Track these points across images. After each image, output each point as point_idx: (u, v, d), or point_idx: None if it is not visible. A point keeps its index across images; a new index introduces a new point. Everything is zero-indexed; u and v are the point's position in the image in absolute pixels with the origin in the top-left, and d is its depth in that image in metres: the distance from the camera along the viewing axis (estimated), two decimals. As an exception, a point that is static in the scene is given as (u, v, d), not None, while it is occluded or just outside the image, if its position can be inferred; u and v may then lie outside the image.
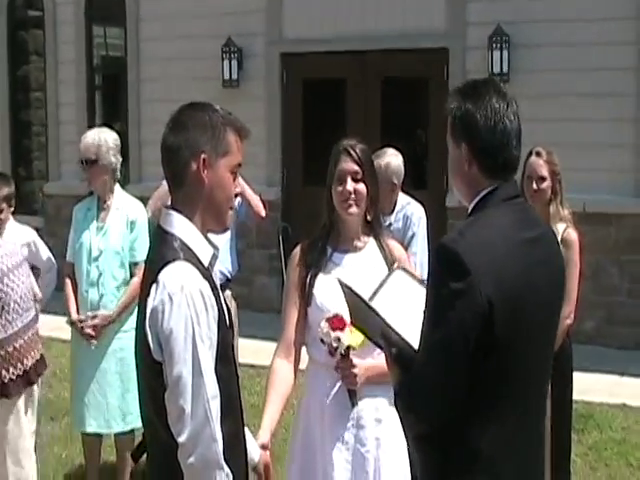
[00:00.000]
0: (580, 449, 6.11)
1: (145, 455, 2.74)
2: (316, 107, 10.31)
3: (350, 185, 3.43)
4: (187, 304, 2.44)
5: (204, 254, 2.60)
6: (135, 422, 5.25)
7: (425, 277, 5.46)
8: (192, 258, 2.53)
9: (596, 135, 8.68)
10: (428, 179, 9.66)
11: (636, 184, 8.74)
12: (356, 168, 3.45)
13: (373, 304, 2.68)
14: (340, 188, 3.45)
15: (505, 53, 8.92)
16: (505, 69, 8.91)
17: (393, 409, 3.34)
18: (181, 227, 2.58)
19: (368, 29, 9.66)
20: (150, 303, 2.48)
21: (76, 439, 5.92)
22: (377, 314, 2.59)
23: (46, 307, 5.46)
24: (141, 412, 2.69)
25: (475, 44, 9.17)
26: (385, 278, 2.90)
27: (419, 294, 2.71)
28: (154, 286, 2.48)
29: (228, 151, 2.61)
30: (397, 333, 2.56)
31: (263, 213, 5.83)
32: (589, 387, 6.81)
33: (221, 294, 2.63)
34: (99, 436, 5.41)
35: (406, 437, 2.85)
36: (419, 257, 5.32)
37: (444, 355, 2.38)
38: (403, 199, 5.42)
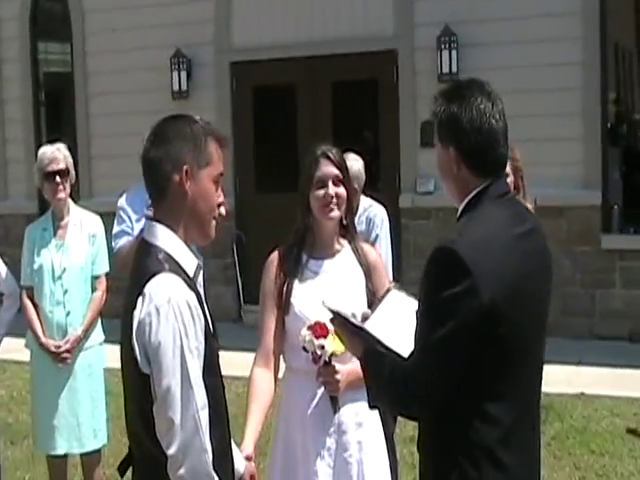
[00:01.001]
0: (543, 439, 6.15)
1: (130, 469, 2.72)
2: (267, 114, 10.34)
3: (332, 189, 3.44)
4: (175, 316, 2.43)
5: (189, 265, 2.59)
6: (104, 438, 5.25)
7: (390, 276, 5.53)
8: (177, 269, 2.53)
9: (545, 130, 8.82)
10: (380, 180, 9.72)
11: (585, 177, 8.89)
12: (337, 172, 3.46)
13: (365, 325, 2.69)
14: (321, 192, 3.44)
15: (454, 53, 9.02)
16: (454, 69, 9.02)
17: (373, 412, 3.40)
18: (165, 239, 2.58)
19: (316, 34, 9.72)
20: (137, 316, 2.47)
21: (39, 461, 5.83)
22: (368, 333, 2.60)
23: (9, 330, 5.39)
24: (127, 425, 2.67)
25: (423, 45, 9.26)
26: (380, 299, 2.90)
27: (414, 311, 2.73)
28: (140, 298, 2.47)
29: (210, 161, 2.61)
30: (389, 349, 2.57)
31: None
32: (547, 378, 6.83)
33: (205, 304, 2.63)
34: (65, 457, 5.33)
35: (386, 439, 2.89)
36: (384, 258, 5.36)
37: (443, 355, 2.40)
38: (365, 202, 5.46)
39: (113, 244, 5.28)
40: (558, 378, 7.44)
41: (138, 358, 2.46)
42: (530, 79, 8.86)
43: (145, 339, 2.45)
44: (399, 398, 2.51)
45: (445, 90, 2.67)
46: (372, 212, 5.45)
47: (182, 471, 2.43)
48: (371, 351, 2.61)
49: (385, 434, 3.64)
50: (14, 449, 6.54)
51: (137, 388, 2.51)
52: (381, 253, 5.39)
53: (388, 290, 2.93)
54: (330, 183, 3.45)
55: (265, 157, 10.16)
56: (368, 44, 9.52)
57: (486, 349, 2.43)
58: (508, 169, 4.82)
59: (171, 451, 2.43)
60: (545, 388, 6.84)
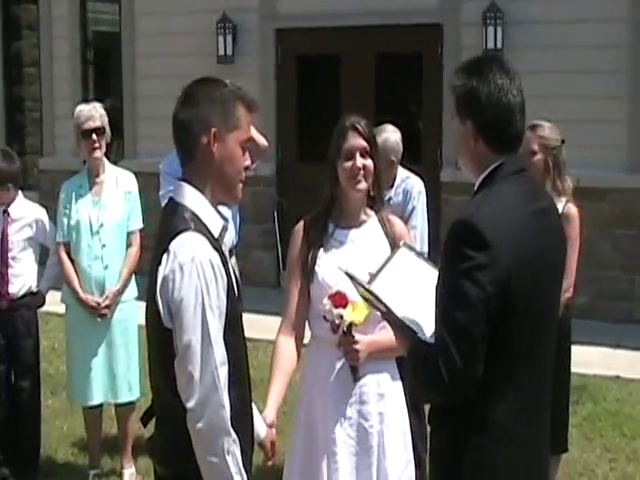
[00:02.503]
0: (575, 420, 6.19)
1: (154, 420, 2.81)
2: (310, 83, 10.33)
3: (359, 161, 3.47)
4: (197, 274, 2.50)
5: (214, 225, 2.65)
6: (138, 392, 5.38)
7: (425, 250, 5.52)
8: (202, 229, 2.59)
9: (590, 111, 8.72)
10: (422, 154, 9.69)
11: (629, 160, 8.80)
12: (364, 144, 3.49)
13: (374, 286, 2.71)
14: (349, 164, 3.47)
15: (499, 29, 8.94)
16: (499, 45, 8.94)
17: (395, 383, 3.42)
18: (192, 199, 2.64)
19: (362, 5, 9.65)
20: (161, 272, 2.54)
21: (77, 412, 5.98)
22: (379, 300, 2.63)
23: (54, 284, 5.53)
24: (151, 379, 2.76)
25: (469, 20, 9.18)
26: (389, 256, 2.92)
27: (425, 271, 2.75)
28: (165, 255, 2.54)
29: (238, 126, 2.67)
30: (399, 319, 2.60)
31: (265, 142, 5.61)
32: (583, 359, 6.87)
33: (230, 265, 2.68)
34: (100, 409, 5.48)
35: (410, 411, 2.90)
36: (419, 230, 5.38)
37: (469, 328, 2.41)
38: (402, 173, 5.45)
39: (162, 204, 5.33)
40: (594, 360, 7.44)
41: (161, 313, 2.54)
42: (576, 60, 8.75)
43: (168, 295, 2.52)
44: (438, 385, 2.48)
45: (464, 64, 2.69)
46: (409, 184, 5.44)
47: (200, 425, 2.50)
48: (415, 346, 2.61)
49: (417, 405, 3.66)
50: (54, 399, 6.72)
51: (160, 342, 2.59)
52: (417, 225, 5.41)
53: (397, 248, 2.94)
54: (358, 155, 3.47)
55: (307, 125, 10.16)
56: (413, 17, 9.46)
57: (502, 322, 2.45)
58: (536, 147, 4.81)
59: (190, 404, 2.51)
60: (580, 369, 6.90)
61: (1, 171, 5.28)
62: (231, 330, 2.60)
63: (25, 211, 5.43)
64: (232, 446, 2.54)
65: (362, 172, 3.47)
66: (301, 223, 3.62)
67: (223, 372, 2.53)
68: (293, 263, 3.58)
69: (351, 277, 2.80)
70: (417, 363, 2.54)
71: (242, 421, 2.65)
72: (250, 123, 2.72)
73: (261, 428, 2.95)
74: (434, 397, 2.57)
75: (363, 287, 2.73)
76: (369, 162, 3.49)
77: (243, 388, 2.69)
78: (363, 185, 3.49)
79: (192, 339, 2.50)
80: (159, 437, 2.74)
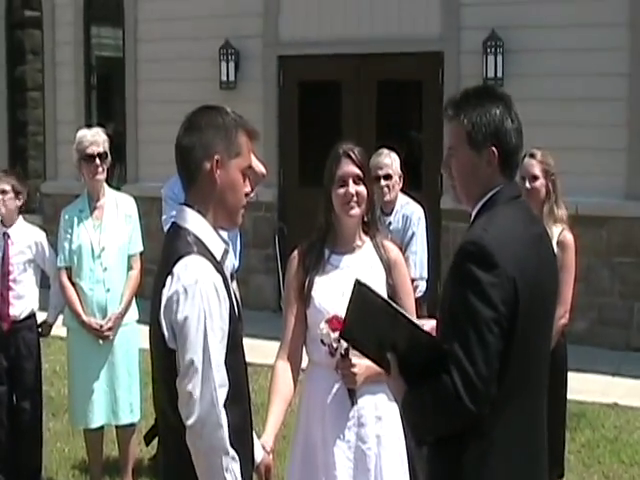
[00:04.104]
0: (573, 447, 6.21)
1: (156, 439, 2.88)
2: (312, 109, 10.40)
3: (352, 187, 3.52)
4: (201, 296, 2.55)
5: (216, 249, 2.71)
6: (139, 414, 5.41)
7: (425, 275, 5.56)
8: (205, 252, 2.65)
9: (589, 139, 8.79)
10: (422, 181, 9.75)
11: (628, 187, 8.85)
12: (357, 171, 3.54)
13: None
14: (342, 190, 3.52)
15: (499, 58, 9.03)
16: (499, 74, 9.02)
17: (392, 405, 3.44)
18: (194, 223, 2.70)
19: (364, 33, 9.76)
20: (165, 294, 2.59)
21: (78, 434, 6.01)
22: (400, 312, 2.58)
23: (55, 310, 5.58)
24: (154, 399, 2.81)
25: (469, 48, 9.27)
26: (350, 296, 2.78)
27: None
28: (169, 278, 2.60)
29: (240, 152, 2.73)
30: (422, 329, 2.57)
31: (263, 170, 5.66)
32: (582, 387, 6.91)
33: (232, 287, 2.74)
34: (101, 431, 5.51)
35: (411, 435, 2.91)
36: (419, 256, 5.43)
37: (485, 349, 2.44)
38: (402, 199, 5.52)
39: (165, 229, 5.39)
40: (592, 387, 7.46)
41: (165, 334, 2.59)
42: (575, 88, 8.83)
43: (172, 316, 2.57)
44: (458, 409, 2.47)
45: (468, 94, 2.74)
46: (409, 210, 5.51)
47: (199, 443, 2.55)
48: (410, 391, 2.60)
49: None
50: (55, 421, 6.74)
51: (164, 363, 2.63)
52: (417, 250, 5.46)
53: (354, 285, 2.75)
54: (350, 181, 3.52)
55: (309, 151, 10.23)
56: (414, 45, 9.55)
57: (507, 341, 2.50)
58: (538, 172, 4.89)
59: (189, 422, 2.55)
60: (578, 396, 6.88)
61: (14, 188, 5.39)
62: (232, 351, 2.65)
63: (25, 234, 5.48)
64: (231, 464, 2.58)
65: (355, 198, 3.52)
66: (296, 250, 3.67)
67: (222, 393, 2.57)
68: (290, 289, 3.64)
69: (365, 286, 2.71)
70: (423, 398, 2.53)
71: (243, 438, 2.69)
72: (251, 150, 2.78)
73: (257, 453, 2.98)
74: (454, 422, 2.52)
75: (379, 297, 2.68)
76: (362, 188, 3.54)
77: (243, 408, 2.73)
78: (356, 211, 3.55)
79: (194, 359, 2.54)
80: (163, 456, 2.79)
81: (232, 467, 2.58)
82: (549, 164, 4.94)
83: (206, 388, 2.54)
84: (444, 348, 2.49)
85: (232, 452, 2.58)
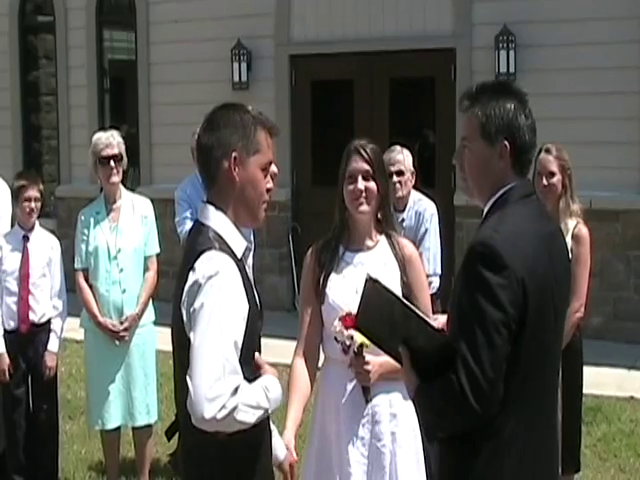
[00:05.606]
0: (589, 441, 6.21)
1: (177, 435, 2.89)
2: (324, 108, 10.42)
3: (361, 184, 3.51)
4: (219, 289, 2.56)
5: (238, 246, 2.73)
6: (155, 415, 5.44)
7: (438, 272, 5.56)
8: (226, 249, 2.67)
9: (603, 133, 8.78)
10: (436, 178, 9.76)
11: (642, 181, 8.83)
12: (366, 167, 3.53)
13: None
14: (351, 187, 3.53)
15: (512, 53, 9.02)
16: (512, 69, 9.01)
17: (407, 403, 3.44)
18: (215, 220, 2.73)
19: (375, 30, 9.77)
20: (187, 287, 2.61)
21: (94, 436, 6.05)
22: (410, 309, 2.58)
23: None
24: (175, 393, 2.83)
25: (482, 44, 9.26)
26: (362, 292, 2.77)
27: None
28: (191, 272, 2.61)
29: (259, 150, 2.76)
30: (433, 327, 2.57)
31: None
32: (597, 381, 6.90)
33: (252, 283, 2.75)
34: (118, 432, 5.54)
35: (422, 431, 2.91)
36: (432, 252, 5.44)
37: (492, 351, 2.44)
38: (415, 196, 5.52)
39: (178, 230, 5.45)
40: (608, 381, 7.45)
41: (184, 321, 2.60)
42: (587, 82, 8.81)
43: (190, 304, 2.58)
44: (463, 408, 2.47)
45: (484, 87, 2.74)
46: (422, 206, 5.51)
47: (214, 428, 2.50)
48: (421, 387, 2.60)
49: None
50: (72, 424, 6.78)
51: (184, 354, 2.61)
52: (430, 247, 5.46)
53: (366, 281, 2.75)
54: (360, 178, 3.52)
55: (322, 150, 10.25)
56: (426, 42, 9.55)
57: (515, 341, 2.50)
58: (555, 168, 4.89)
59: (196, 417, 2.50)
60: (594, 390, 6.86)
61: (41, 193, 5.42)
62: (249, 349, 2.64)
63: (43, 238, 5.51)
64: (235, 403, 2.50)
65: (364, 194, 3.52)
66: (311, 248, 3.68)
67: (232, 381, 2.51)
68: (305, 287, 3.65)
69: (377, 282, 2.67)
70: (431, 395, 2.55)
71: (259, 434, 2.70)
72: (271, 147, 2.80)
73: (280, 450, 2.98)
74: (460, 421, 2.53)
75: (390, 292, 2.67)
76: (372, 184, 3.53)
77: None
78: (365, 207, 3.54)
79: (196, 344, 2.51)
80: (182, 453, 2.80)
81: (239, 405, 2.50)
82: (565, 159, 4.93)
83: (205, 378, 2.46)
84: (454, 346, 2.50)
85: (231, 399, 2.49)
